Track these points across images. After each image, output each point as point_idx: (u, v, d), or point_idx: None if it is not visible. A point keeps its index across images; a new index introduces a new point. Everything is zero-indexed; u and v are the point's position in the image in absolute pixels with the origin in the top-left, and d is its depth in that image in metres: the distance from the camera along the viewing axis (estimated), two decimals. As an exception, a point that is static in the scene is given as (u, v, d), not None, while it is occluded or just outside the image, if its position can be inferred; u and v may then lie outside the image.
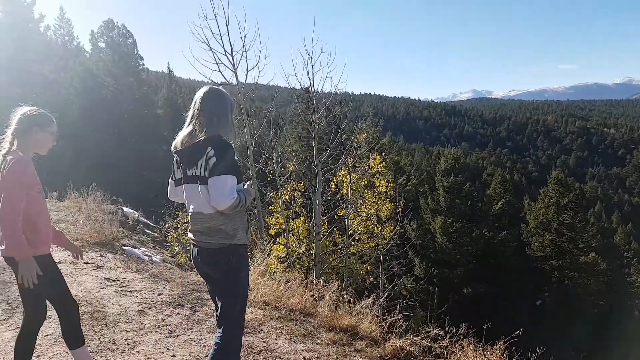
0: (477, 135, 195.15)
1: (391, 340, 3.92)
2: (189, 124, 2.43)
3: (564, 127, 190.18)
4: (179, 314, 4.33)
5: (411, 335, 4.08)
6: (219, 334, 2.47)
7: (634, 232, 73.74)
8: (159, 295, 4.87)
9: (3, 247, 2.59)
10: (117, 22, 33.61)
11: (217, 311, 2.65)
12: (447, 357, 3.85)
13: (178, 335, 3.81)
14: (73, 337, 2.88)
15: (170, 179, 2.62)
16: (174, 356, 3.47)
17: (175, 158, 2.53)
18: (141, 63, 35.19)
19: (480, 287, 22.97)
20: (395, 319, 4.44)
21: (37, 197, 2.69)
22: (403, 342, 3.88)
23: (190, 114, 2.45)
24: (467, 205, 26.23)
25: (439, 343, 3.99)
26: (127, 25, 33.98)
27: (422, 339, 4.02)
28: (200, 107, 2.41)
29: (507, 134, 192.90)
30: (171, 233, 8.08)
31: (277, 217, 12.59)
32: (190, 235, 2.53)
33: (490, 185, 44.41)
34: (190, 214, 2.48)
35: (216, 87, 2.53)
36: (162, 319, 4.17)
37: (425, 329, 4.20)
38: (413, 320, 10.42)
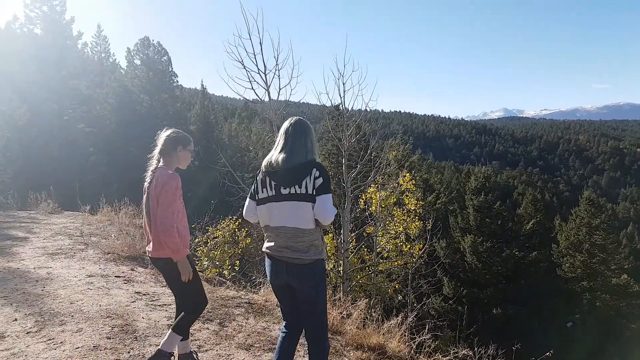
0: (508, 154, 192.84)
1: (421, 362, 3.82)
2: (283, 148, 2.68)
3: (596, 147, 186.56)
4: (207, 328, 4.33)
5: (440, 356, 3.97)
6: (315, 343, 2.75)
7: (672, 255, 70.71)
8: (188, 309, 4.89)
9: (152, 249, 3.14)
10: (153, 40, 34.74)
11: (287, 324, 2.91)
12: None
13: (207, 350, 3.80)
14: (185, 328, 3.28)
15: (249, 198, 2.81)
16: (202, 371, 3.46)
17: (260, 178, 2.74)
18: (175, 80, 36.10)
19: (510, 308, 22.33)
20: (424, 339, 4.34)
21: (182, 207, 3.13)
22: (433, 363, 3.78)
23: (283, 139, 2.71)
24: (498, 225, 25.69)
25: (470, 365, 3.88)
26: (163, 43, 35.02)
27: (452, 361, 3.91)
28: (295, 134, 2.69)
29: (539, 153, 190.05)
30: (201, 248, 8.12)
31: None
32: (272, 251, 2.70)
33: (520, 205, 43.52)
34: (279, 229, 2.66)
35: (301, 117, 2.81)
36: (191, 334, 4.17)
37: (454, 350, 4.10)
38: (442, 341, 10.15)
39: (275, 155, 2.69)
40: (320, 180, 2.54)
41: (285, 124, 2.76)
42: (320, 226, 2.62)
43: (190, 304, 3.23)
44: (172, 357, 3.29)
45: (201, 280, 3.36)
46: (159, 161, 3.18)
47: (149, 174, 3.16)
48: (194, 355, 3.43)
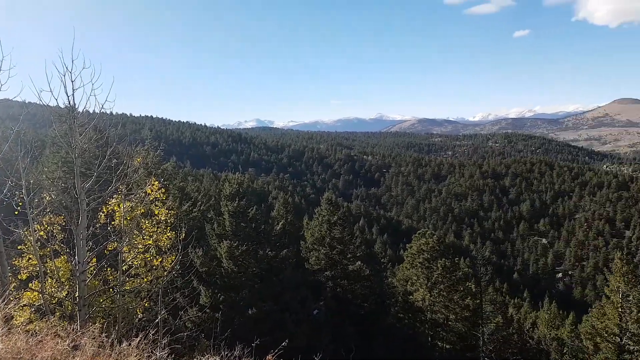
0: (262, 161, 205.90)
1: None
2: None
3: (334, 154, 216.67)
4: None
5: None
6: None
7: (389, 241, 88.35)
8: None
9: None
10: None
11: None
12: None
13: None
14: None
15: None
16: None
17: None
18: None
19: (264, 306, 23.58)
20: (165, 353, 4.12)
21: None
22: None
23: None
24: (252, 228, 26.87)
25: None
26: None
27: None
28: None
29: (288, 161, 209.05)
30: None
31: (30, 259, 10.59)
32: None
33: (274, 208, 46.88)
34: None
35: None
36: None
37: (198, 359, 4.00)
38: (198, 351, 9.95)
39: None
40: None
41: None
42: None
43: None
44: None
45: None
46: None
47: None
48: None
